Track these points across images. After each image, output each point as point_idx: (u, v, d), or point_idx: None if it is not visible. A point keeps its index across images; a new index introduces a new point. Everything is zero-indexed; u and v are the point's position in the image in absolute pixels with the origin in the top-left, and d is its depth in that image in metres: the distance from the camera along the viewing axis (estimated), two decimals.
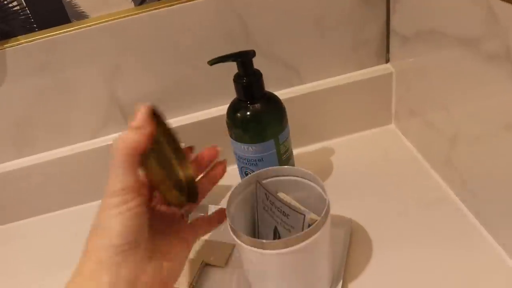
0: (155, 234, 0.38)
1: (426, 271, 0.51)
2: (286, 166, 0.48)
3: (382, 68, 0.70)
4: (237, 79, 0.53)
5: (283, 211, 0.46)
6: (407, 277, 0.51)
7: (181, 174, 0.40)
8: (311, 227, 0.41)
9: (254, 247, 0.42)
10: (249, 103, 0.54)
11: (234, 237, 0.44)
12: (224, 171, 0.45)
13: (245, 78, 0.52)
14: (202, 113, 0.69)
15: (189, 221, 0.44)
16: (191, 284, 0.53)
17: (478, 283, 0.49)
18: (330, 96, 0.69)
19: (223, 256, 0.57)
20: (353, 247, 0.55)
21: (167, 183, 0.39)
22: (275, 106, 0.56)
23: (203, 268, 0.56)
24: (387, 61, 0.71)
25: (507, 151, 0.46)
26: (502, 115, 0.46)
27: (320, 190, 0.46)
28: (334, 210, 0.59)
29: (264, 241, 0.41)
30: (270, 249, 0.41)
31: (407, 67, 0.65)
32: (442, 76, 0.56)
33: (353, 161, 0.69)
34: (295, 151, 0.72)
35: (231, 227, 0.44)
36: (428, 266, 0.51)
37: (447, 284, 0.49)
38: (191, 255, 0.57)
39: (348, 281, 0.51)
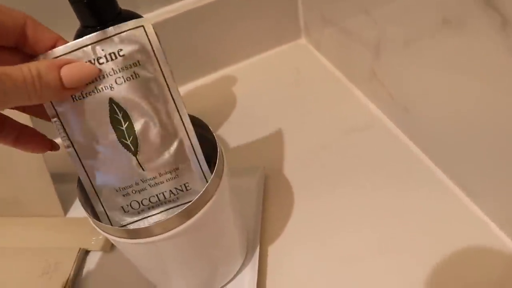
0: None
1: (362, 211, 0.41)
2: None
3: None
4: None
5: None
6: (340, 224, 0.41)
7: None
8: (195, 199, 0.28)
9: (122, 237, 0.29)
10: (99, 29, 0.38)
11: (94, 225, 0.30)
12: None
13: None
14: None
15: None
16: (66, 283, 0.39)
17: (418, 209, 0.40)
18: (222, 10, 0.54)
19: (106, 238, 0.43)
20: (269, 199, 0.44)
21: None
22: None
23: (83, 256, 0.42)
24: None
25: (444, 52, 0.36)
26: (436, 10, 0.34)
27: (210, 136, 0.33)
28: (242, 154, 0.48)
29: (131, 228, 0.28)
30: (145, 237, 0.28)
31: None
32: None
33: (260, 88, 0.56)
34: (186, 87, 0.58)
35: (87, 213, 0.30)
36: (364, 205, 0.42)
37: (385, 222, 0.40)
38: (64, 242, 0.43)
39: (268, 243, 0.41)
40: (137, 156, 0.29)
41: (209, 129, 0.32)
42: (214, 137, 0.31)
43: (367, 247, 0.38)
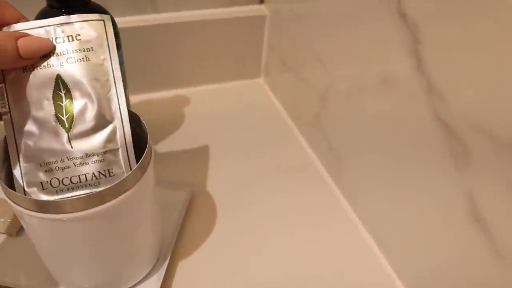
0: None
1: (278, 245, 0.42)
2: None
3: (256, 9, 0.59)
4: None
5: None
6: (254, 254, 0.41)
7: None
8: (113, 184, 0.28)
9: (29, 209, 0.28)
10: (64, 12, 0.39)
11: (3, 192, 0.29)
12: None
13: None
14: None
15: None
16: None
17: (333, 254, 0.42)
18: (190, 32, 0.57)
19: (14, 221, 0.41)
20: (192, 216, 0.44)
21: None
22: None
23: None
24: (262, 1, 0.60)
25: (380, 108, 0.39)
26: (379, 67, 0.38)
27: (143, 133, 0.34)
28: (176, 170, 0.49)
29: (40, 200, 0.27)
30: (53, 212, 0.28)
31: (284, 11, 0.55)
32: (319, 23, 0.47)
33: (210, 115, 0.58)
34: (140, 97, 0.59)
35: None
36: (281, 239, 0.43)
37: (298, 260, 0.41)
38: None
39: (180, 258, 0.40)
40: (69, 133, 0.30)
41: (143, 124, 0.33)
42: (147, 132, 0.32)
43: (274, 280, 0.39)
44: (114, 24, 0.42)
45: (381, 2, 0.36)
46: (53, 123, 0.29)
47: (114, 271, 0.35)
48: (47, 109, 0.29)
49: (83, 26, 0.30)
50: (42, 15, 0.39)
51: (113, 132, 0.30)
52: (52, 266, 0.35)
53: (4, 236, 0.41)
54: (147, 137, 0.32)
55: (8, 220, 0.41)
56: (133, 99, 0.54)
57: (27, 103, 0.29)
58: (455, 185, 0.31)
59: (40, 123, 0.29)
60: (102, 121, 0.30)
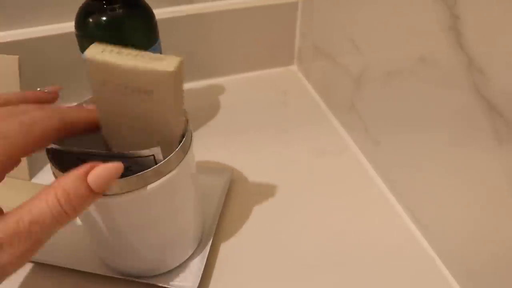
0: None
1: (317, 229, 0.42)
2: None
3: None
4: None
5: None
6: (292, 237, 0.42)
7: None
8: (157, 165, 0.29)
9: None
10: (105, 4, 0.40)
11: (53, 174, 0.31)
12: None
13: None
14: (49, 28, 0.53)
15: None
16: None
17: (374, 238, 0.42)
18: (222, 22, 0.57)
19: None
20: (231, 200, 0.45)
21: None
22: (141, 12, 0.42)
23: None
24: None
25: (418, 88, 0.38)
26: (416, 46, 0.37)
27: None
28: (214, 156, 0.49)
29: None
30: None
31: None
32: (351, 4, 0.46)
33: (245, 103, 0.58)
34: None
35: (49, 159, 0.30)
36: (319, 224, 0.43)
37: (336, 243, 0.41)
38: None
39: (221, 240, 0.41)
40: None
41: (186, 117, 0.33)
42: (186, 117, 0.33)
43: (314, 264, 0.39)
44: (152, 16, 0.43)
45: None
46: None
47: (157, 252, 0.36)
48: None
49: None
50: (84, 9, 0.41)
51: None
52: (98, 246, 0.37)
53: None
54: (187, 122, 0.32)
55: None
56: None
57: None
58: (497, 161, 0.31)
59: None
60: None
